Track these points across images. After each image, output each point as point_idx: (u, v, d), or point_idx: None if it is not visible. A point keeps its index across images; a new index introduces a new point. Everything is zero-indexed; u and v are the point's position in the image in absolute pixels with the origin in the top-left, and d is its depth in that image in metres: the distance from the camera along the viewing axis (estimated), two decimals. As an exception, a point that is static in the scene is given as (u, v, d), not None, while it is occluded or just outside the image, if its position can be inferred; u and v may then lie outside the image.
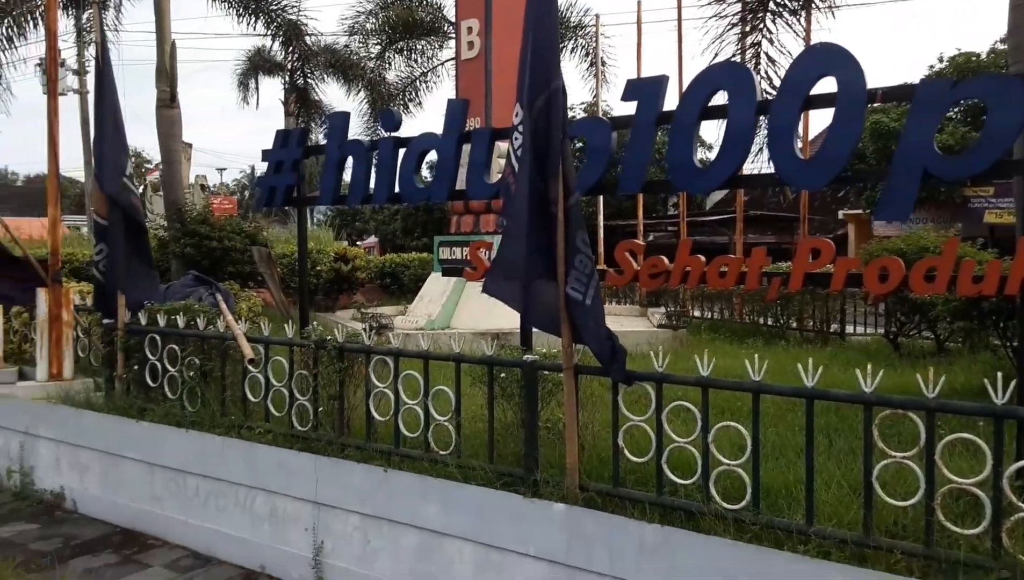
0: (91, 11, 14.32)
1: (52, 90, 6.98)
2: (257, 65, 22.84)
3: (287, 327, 5.23)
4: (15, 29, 13.20)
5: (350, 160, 5.96)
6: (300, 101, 20.20)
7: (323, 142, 6.50)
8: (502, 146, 5.56)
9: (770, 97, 4.18)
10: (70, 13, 14.40)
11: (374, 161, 5.77)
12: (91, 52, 15.52)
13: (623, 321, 12.78)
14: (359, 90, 20.18)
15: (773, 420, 5.33)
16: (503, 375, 4.39)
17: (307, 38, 15.49)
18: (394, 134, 5.70)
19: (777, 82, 16.30)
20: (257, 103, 22.47)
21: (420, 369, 4.56)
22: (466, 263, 11.62)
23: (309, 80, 17.58)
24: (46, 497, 6.03)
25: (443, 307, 11.20)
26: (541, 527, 3.75)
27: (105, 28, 8.41)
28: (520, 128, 4.05)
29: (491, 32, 11.76)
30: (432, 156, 5.53)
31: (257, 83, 23.59)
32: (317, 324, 5.31)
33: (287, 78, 20.95)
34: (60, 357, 7.04)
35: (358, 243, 32.75)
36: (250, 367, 5.17)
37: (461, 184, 5.50)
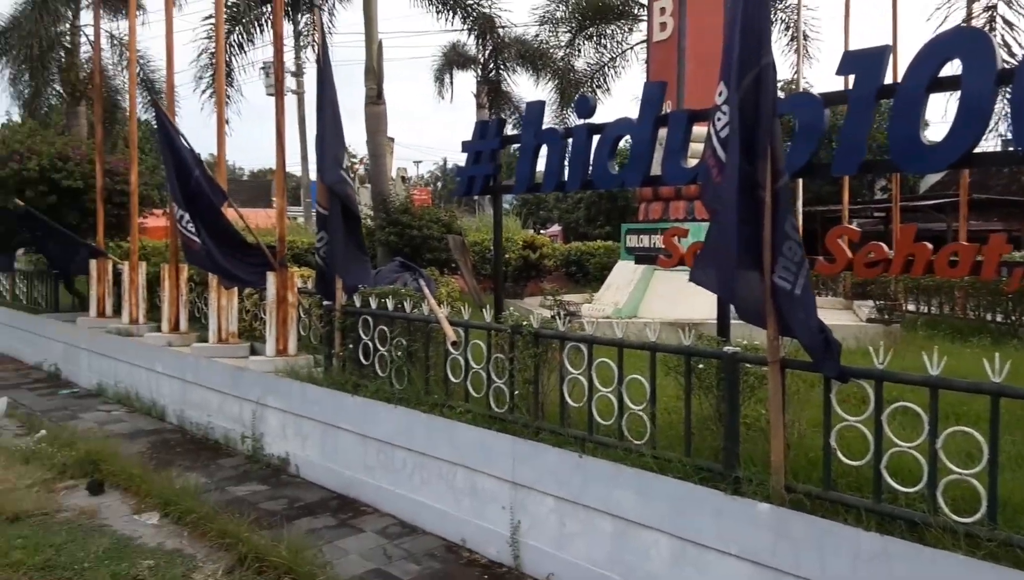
0: (309, 16, 15.66)
1: (279, 90, 7.69)
2: (452, 60, 23.85)
3: (484, 312, 5.42)
4: (244, 35, 14.72)
5: (544, 149, 6.06)
6: (491, 93, 20.82)
7: (517, 132, 6.65)
8: (699, 130, 5.39)
9: (1010, 65, 3.70)
10: (290, 19, 15.82)
11: (568, 148, 5.81)
12: (306, 55, 17.03)
13: (826, 314, 11.95)
14: (547, 79, 20.44)
15: (1008, 428, 4.75)
16: (701, 366, 4.26)
17: (499, 30, 15.89)
18: (588, 121, 5.71)
19: (1016, 49, 14.47)
20: (451, 97, 23.54)
21: (613, 357, 4.55)
22: (655, 250, 11.44)
23: (501, 72, 18.08)
24: (273, 461, 6.72)
25: (630, 295, 11.11)
26: (743, 526, 3.61)
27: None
28: (724, 108, 3.89)
29: (685, 12, 11.42)
30: (623, 142, 5.47)
31: (452, 77, 24.67)
32: (513, 310, 5.48)
33: (479, 71, 21.69)
34: (286, 335, 7.79)
35: (541, 231, 33.30)
36: (452, 349, 5.42)
37: (655, 169, 5.39)
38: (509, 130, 8.22)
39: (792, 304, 3.62)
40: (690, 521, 3.81)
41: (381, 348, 6.18)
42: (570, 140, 5.78)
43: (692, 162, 5.24)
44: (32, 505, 5.58)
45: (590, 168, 5.64)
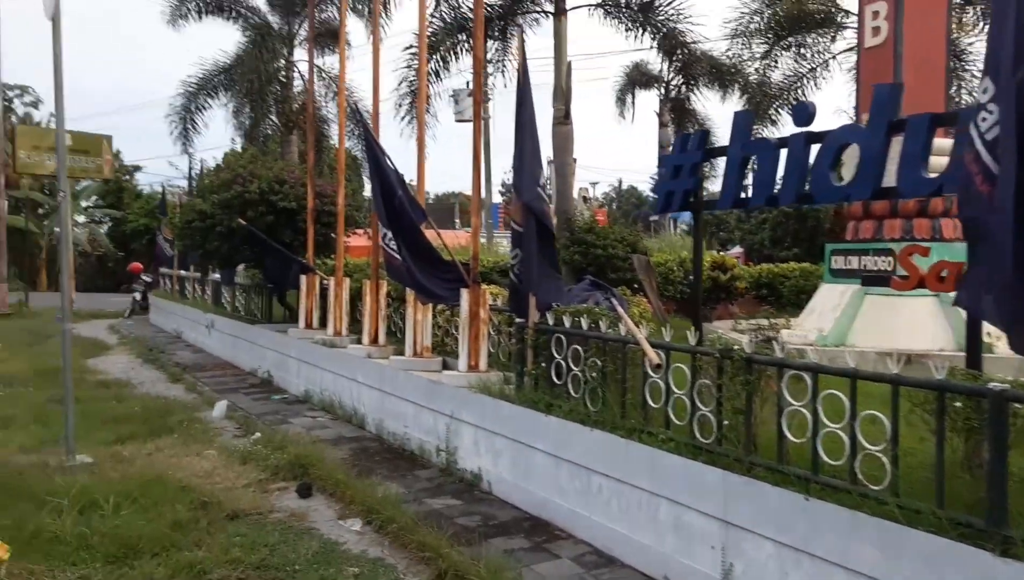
0: (498, 43, 16.08)
1: (476, 112, 7.84)
2: (634, 80, 23.64)
3: (689, 334, 5.10)
4: (441, 63, 15.37)
5: (753, 161, 5.66)
6: (676, 111, 20.32)
7: (722, 144, 6.29)
8: (938, 142, 4.79)
9: None
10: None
11: (781, 160, 5.39)
12: (493, 81, 17.47)
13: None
14: (737, 94, 19.63)
15: None
16: (957, 405, 3.69)
17: (689, 45, 15.47)
18: (805, 129, 5.25)
19: None
20: (633, 117, 23.25)
21: (842, 389, 4.07)
22: (872, 273, 10.47)
23: (688, 87, 17.59)
24: (466, 476, 6.75)
25: (837, 321, 10.22)
26: (1021, 596, 3.03)
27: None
28: (991, 107, 3.36)
29: (902, 15, 10.44)
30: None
31: (634, 97, 24.45)
32: (720, 334, 5.11)
33: (662, 89, 21.30)
34: (478, 351, 7.87)
35: (722, 253, 31.99)
36: (652, 372, 5.15)
37: (888, 180, 4.84)
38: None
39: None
40: (947, 584, 3.27)
41: (574, 368, 6.02)
42: (784, 150, 5.35)
43: (934, 174, 4.66)
44: (249, 504, 5.93)
45: (808, 180, 5.18)
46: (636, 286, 14.00)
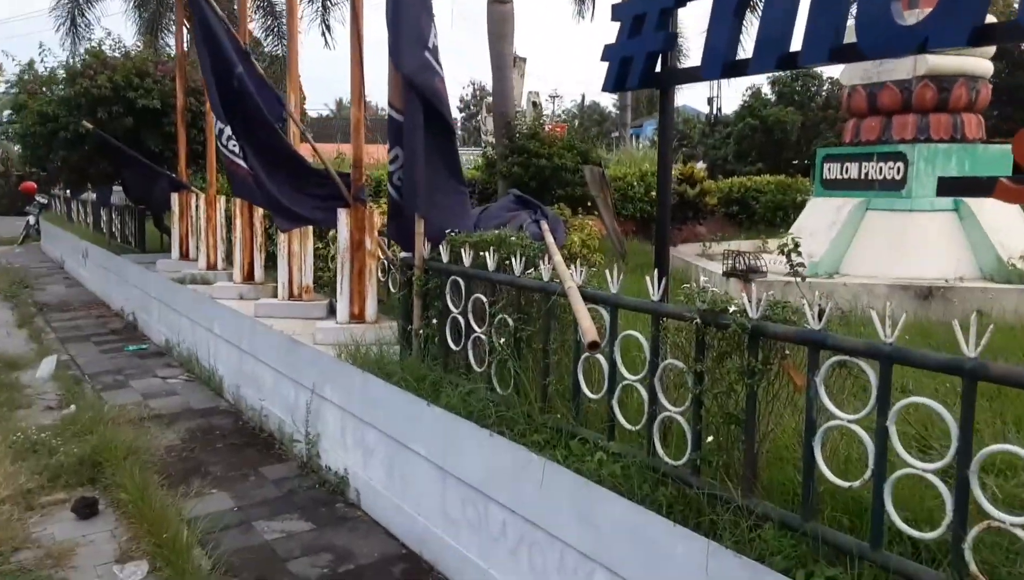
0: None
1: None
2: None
3: (650, 284, 3.00)
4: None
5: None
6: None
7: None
8: None
9: None
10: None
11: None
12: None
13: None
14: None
15: None
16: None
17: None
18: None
19: None
20: (592, 15, 20.50)
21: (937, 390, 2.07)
22: (860, 184, 8.47)
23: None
24: (329, 478, 4.71)
25: (832, 244, 8.24)
26: None
27: None
28: None
29: None
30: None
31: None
32: (700, 281, 3.01)
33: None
34: (362, 294, 5.73)
35: (690, 165, 29.96)
36: (587, 351, 3.06)
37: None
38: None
39: None
40: None
41: (477, 328, 3.93)
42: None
43: None
44: (-16, 539, 3.86)
45: (853, 18, 3.02)
46: (590, 204, 11.85)
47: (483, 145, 13.71)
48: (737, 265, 7.60)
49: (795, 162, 26.25)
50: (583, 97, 59.25)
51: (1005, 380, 1.99)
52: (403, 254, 4.69)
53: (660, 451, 2.93)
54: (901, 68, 8.28)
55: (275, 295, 6.78)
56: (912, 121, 8.25)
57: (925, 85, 8.12)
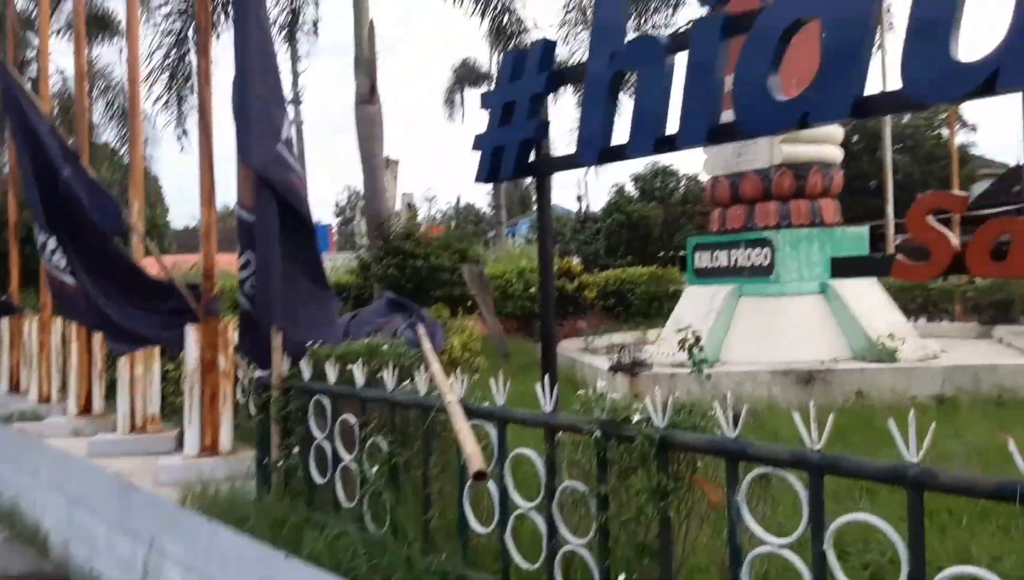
0: None
1: (203, 43, 5.01)
2: (462, 77, 21.51)
3: (540, 392, 2.62)
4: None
5: (632, 81, 3.30)
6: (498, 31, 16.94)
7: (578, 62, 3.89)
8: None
9: None
10: None
11: (679, 69, 3.08)
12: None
13: (979, 348, 9.06)
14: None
15: None
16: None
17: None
18: (722, 9, 2.98)
19: None
20: (463, 116, 21.00)
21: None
22: (731, 271, 8.64)
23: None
24: (175, 656, 3.90)
25: (710, 332, 8.25)
26: None
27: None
28: None
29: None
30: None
31: (463, 97, 22.31)
32: (594, 391, 2.64)
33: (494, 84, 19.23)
34: (215, 421, 5.02)
35: (567, 259, 30.63)
36: (475, 483, 2.60)
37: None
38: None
39: None
40: None
41: (346, 456, 3.40)
42: (685, 53, 3.04)
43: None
44: None
45: (733, 95, 2.89)
46: (470, 305, 11.55)
47: (357, 248, 13.28)
48: (623, 359, 7.42)
49: (660, 254, 27.54)
50: (458, 199, 60.27)
51: (955, 488, 1.71)
52: (258, 373, 4.11)
53: (566, 591, 2.48)
54: (760, 157, 8.64)
55: (116, 429, 5.92)
56: (774, 208, 8.57)
57: (783, 173, 8.50)
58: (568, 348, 10.78)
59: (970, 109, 33.73)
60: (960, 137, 25.60)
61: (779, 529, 2.05)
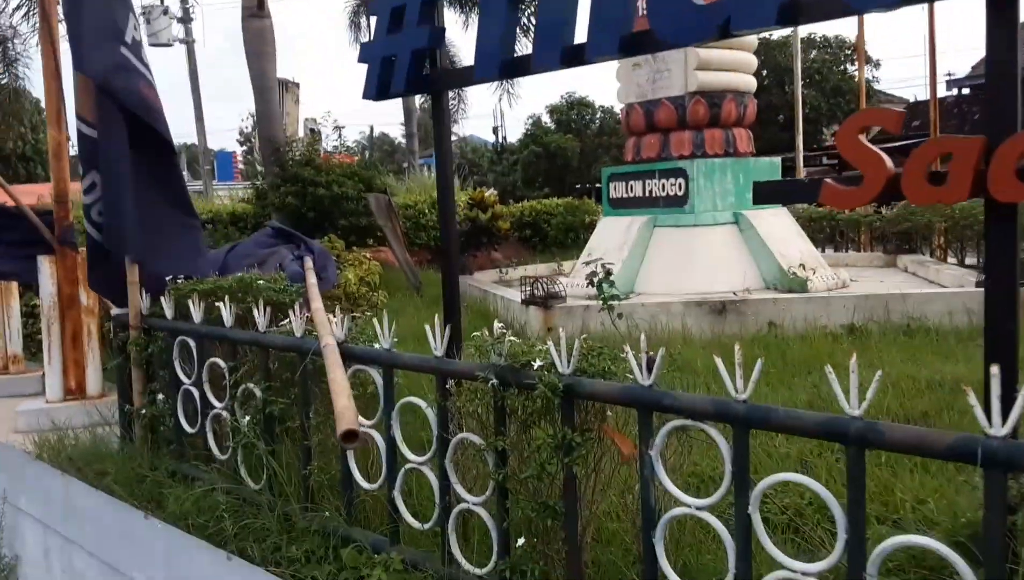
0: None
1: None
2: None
3: (431, 334, 2.27)
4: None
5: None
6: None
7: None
8: None
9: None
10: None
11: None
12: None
13: (885, 277, 9.23)
14: None
15: None
16: None
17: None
18: None
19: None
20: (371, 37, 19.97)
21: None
22: (646, 202, 8.45)
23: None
24: (29, 624, 3.47)
25: (624, 264, 8.06)
26: None
27: None
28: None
29: None
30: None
31: (368, 20, 21.04)
32: (499, 336, 2.31)
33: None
34: (80, 362, 4.51)
35: (480, 189, 30.11)
36: (344, 444, 2.22)
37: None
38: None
39: None
40: None
41: (216, 403, 2.99)
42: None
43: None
44: None
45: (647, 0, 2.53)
46: (379, 234, 11.01)
47: (253, 177, 12.41)
48: (536, 292, 7.15)
49: (578, 186, 27.32)
50: (371, 128, 57.95)
51: (903, 447, 1.46)
52: (116, 311, 3.60)
53: (459, 556, 2.20)
54: (674, 84, 8.36)
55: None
56: (688, 137, 8.34)
57: (697, 101, 8.25)
58: (481, 280, 10.45)
59: (872, 45, 34.54)
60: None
61: (698, 488, 1.79)
